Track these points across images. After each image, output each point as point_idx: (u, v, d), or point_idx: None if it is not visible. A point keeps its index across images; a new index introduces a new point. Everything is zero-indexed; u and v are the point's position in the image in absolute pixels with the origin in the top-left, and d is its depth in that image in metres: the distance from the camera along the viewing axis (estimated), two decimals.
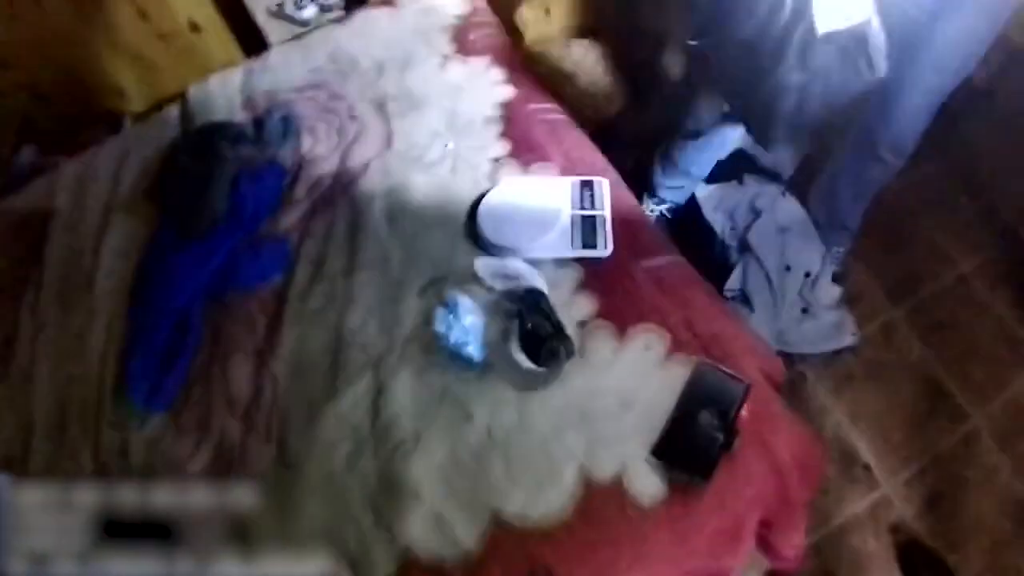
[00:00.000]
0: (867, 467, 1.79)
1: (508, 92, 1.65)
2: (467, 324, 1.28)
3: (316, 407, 1.34)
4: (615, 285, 1.35)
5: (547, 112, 1.61)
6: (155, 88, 2.29)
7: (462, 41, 1.80)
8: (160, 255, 1.64)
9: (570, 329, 1.28)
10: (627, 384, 1.26)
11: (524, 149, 1.55)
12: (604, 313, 1.32)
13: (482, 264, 1.37)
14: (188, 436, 1.39)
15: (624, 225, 1.42)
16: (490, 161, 1.55)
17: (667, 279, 1.36)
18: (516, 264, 1.35)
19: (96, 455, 1.39)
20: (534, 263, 1.37)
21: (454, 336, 1.27)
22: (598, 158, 1.53)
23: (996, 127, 2.17)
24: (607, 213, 1.42)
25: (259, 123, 1.80)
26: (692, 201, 1.91)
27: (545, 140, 1.56)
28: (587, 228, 1.40)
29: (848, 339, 1.87)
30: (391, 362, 1.34)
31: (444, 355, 1.31)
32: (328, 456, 1.29)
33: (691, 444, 1.22)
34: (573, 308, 1.32)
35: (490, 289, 1.36)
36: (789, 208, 1.89)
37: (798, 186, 1.95)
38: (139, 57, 2.21)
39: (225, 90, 1.96)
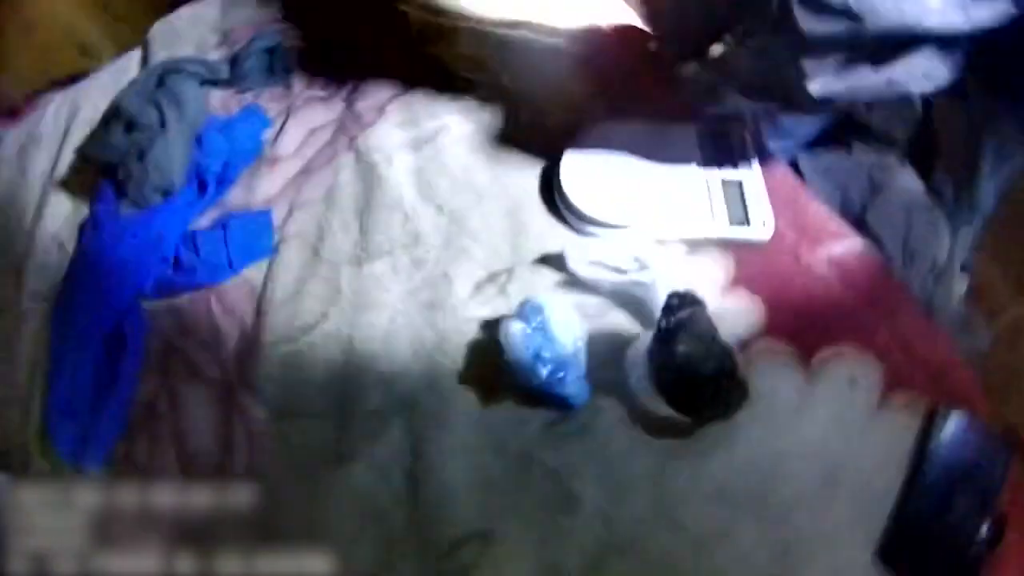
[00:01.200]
0: None
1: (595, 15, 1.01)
2: (565, 345, 0.68)
3: (316, 476, 0.74)
4: (786, 284, 0.76)
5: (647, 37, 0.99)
6: (125, 43, 1.64)
7: None
8: (94, 238, 1.02)
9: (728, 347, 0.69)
10: (827, 445, 0.67)
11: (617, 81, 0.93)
12: (776, 329, 0.73)
13: (579, 252, 0.76)
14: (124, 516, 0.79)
15: (780, 196, 0.82)
16: None
17: (860, 276, 0.77)
18: (635, 250, 0.74)
19: None
20: (656, 249, 0.77)
21: (543, 365, 0.67)
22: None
23: None
24: (757, 175, 0.82)
25: (236, 60, 1.17)
26: (793, 170, 1.31)
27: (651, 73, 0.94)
28: (732, 196, 0.79)
29: (979, 341, 1.31)
30: (432, 406, 0.73)
31: (519, 396, 0.71)
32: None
33: (940, 542, 0.65)
34: (725, 320, 0.72)
35: (592, 288, 0.76)
36: (911, 182, 1.31)
37: (915, 154, 1.37)
38: (105, 4, 1.56)
39: (197, 26, 1.31)
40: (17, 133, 1.30)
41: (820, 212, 0.82)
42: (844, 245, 0.79)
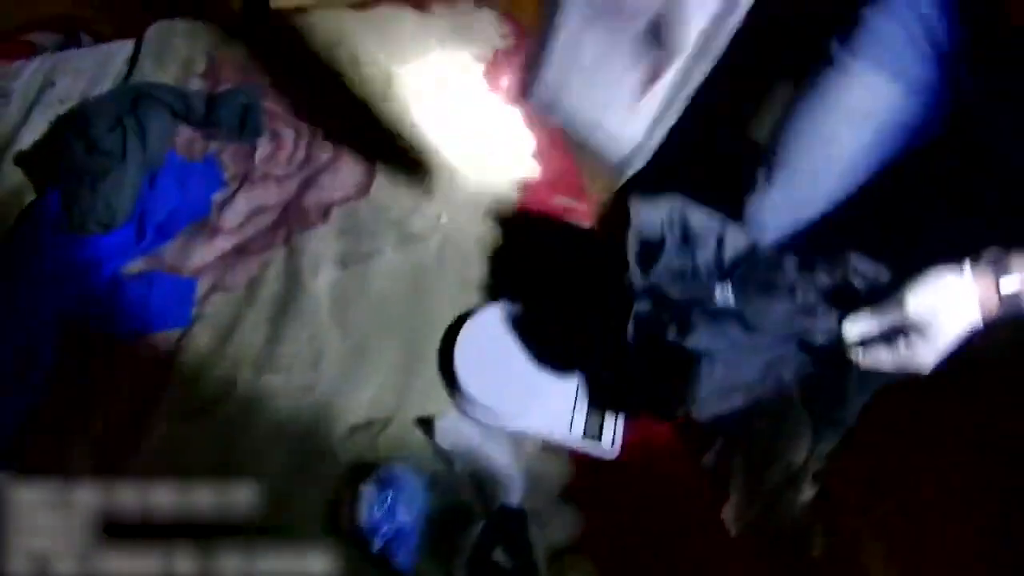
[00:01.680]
0: None
1: (532, 169, 1.09)
2: (406, 521, 0.77)
3: None
4: (614, 504, 0.85)
5: (574, 215, 1.06)
6: (126, 11, 1.63)
7: (493, 81, 1.22)
8: (27, 242, 1.03)
9: (539, 561, 0.78)
10: None
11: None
12: (589, 548, 0.82)
13: (447, 426, 0.84)
14: None
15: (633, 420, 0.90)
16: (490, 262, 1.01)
17: (682, 504, 0.87)
18: (497, 452, 0.82)
19: None
20: (514, 441, 0.85)
21: (383, 533, 0.75)
22: None
23: None
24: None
25: (213, 100, 1.19)
26: None
27: None
28: (594, 409, 0.89)
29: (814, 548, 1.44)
30: (284, 535, 0.79)
31: (361, 551, 0.79)
32: None
33: None
34: (550, 526, 0.81)
35: (447, 461, 0.84)
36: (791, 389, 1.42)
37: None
38: None
39: (190, 43, 1.32)
40: None
41: (670, 439, 0.91)
42: (675, 476, 0.88)
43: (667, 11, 0.64)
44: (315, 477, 0.83)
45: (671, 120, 0.71)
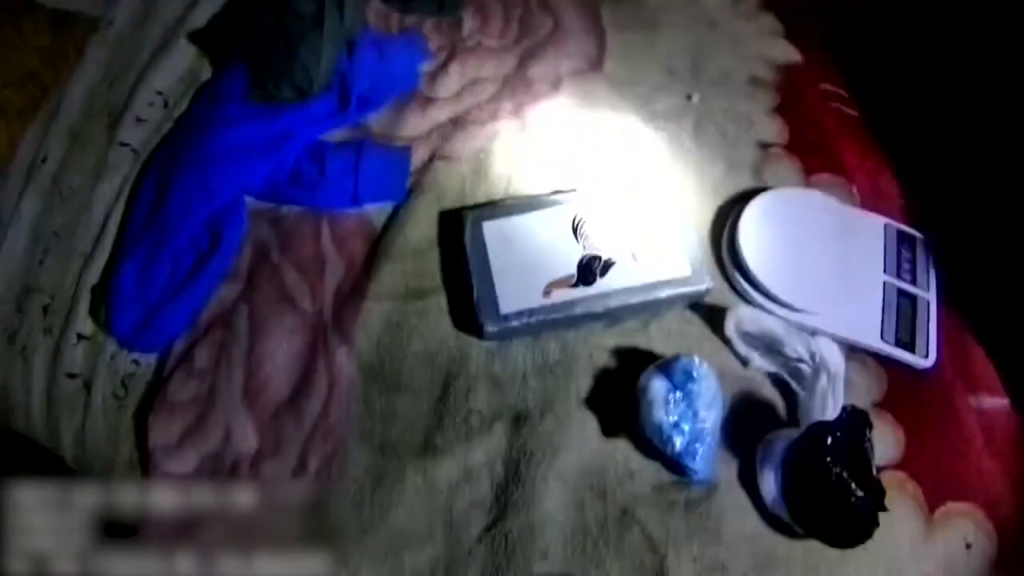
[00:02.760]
0: None
1: (789, 52, 0.94)
2: (705, 420, 0.63)
3: (395, 462, 0.68)
4: (932, 422, 0.70)
5: (841, 101, 0.91)
6: None
7: None
8: (212, 115, 0.91)
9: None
10: None
11: (807, 144, 0.85)
12: (911, 467, 0.68)
13: (745, 318, 0.70)
14: (174, 418, 0.73)
15: (947, 328, 0.75)
16: (755, 145, 0.85)
17: (1002, 437, 0.72)
18: (823, 344, 0.67)
19: (52, 367, 0.78)
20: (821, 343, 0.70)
21: (680, 436, 0.62)
22: (903, 202, 0.85)
23: None
24: (933, 297, 0.76)
25: None
26: None
27: (839, 141, 0.86)
28: (905, 313, 0.73)
29: None
30: (547, 424, 0.67)
31: (638, 441, 0.66)
32: (398, 554, 0.65)
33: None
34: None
35: (742, 361, 0.71)
36: None
37: None
38: None
39: None
40: None
41: (982, 360, 0.75)
42: (996, 402, 0.73)
43: None
44: (572, 365, 0.70)
45: None
